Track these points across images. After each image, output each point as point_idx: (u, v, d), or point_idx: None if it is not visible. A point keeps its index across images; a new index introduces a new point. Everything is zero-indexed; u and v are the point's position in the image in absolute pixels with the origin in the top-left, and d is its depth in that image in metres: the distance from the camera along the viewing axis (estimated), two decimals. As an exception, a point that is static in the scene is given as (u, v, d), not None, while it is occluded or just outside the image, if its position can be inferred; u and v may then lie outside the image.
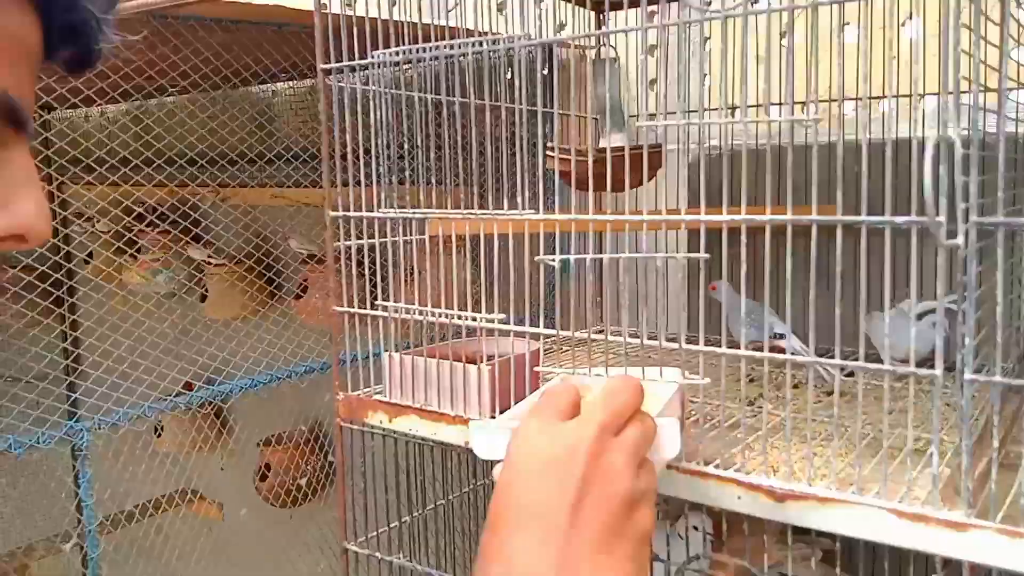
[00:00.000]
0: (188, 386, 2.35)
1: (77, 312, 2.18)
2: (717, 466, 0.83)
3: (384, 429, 1.06)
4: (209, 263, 2.17)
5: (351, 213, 1.05)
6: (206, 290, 2.18)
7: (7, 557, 2.10)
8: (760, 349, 0.80)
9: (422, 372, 1.01)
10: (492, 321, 0.95)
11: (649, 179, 1.13)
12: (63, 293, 1.91)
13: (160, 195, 2.18)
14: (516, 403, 0.98)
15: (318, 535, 2.15)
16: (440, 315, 0.98)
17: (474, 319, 0.96)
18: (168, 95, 2.37)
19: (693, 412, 0.94)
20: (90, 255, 2.35)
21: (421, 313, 1.00)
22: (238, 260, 2.16)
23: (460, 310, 0.97)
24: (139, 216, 2.31)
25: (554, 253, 0.85)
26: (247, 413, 2.26)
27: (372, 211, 1.03)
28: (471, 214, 0.95)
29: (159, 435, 2.26)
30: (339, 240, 1.06)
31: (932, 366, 0.69)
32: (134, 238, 2.27)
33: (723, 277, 0.94)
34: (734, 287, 1.11)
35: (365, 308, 1.05)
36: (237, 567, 2.33)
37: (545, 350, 1.12)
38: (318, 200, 2.00)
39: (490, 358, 0.99)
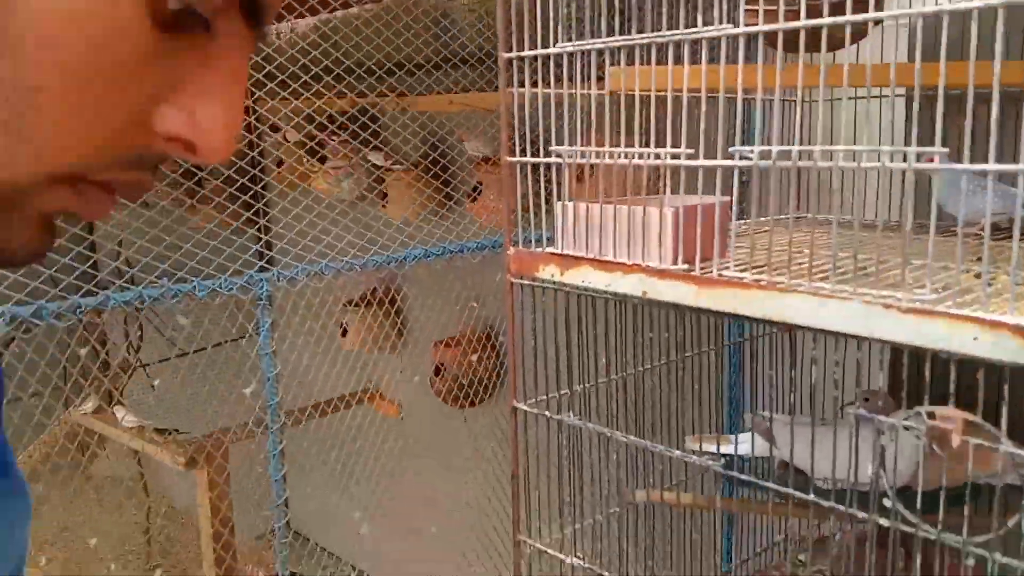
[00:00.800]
0: (372, 292, 2.44)
1: (270, 214, 2.31)
2: (949, 305, 0.70)
3: (555, 283, 1.00)
4: (389, 168, 2.21)
5: (525, 52, 0.98)
6: (386, 194, 2.23)
7: (206, 438, 2.29)
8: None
9: (598, 220, 0.93)
10: (678, 156, 0.86)
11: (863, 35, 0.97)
12: (257, 197, 2.01)
13: (342, 105, 2.24)
14: (701, 255, 0.89)
15: (488, 426, 2.17)
16: (619, 155, 0.90)
17: (657, 156, 0.87)
18: (351, 7, 2.41)
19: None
20: (279, 163, 2.48)
21: (598, 156, 0.93)
22: (416, 165, 2.18)
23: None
24: (322, 126, 2.39)
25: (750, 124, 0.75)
26: (423, 316, 2.31)
27: (548, 47, 0.96)
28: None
29: (344, 334, 2.36)
30: (512, 86, 1.00)
31: None
32: (316, 147, 2.35)
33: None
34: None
35: (538, 157, 0.99)
36: (412, 460, 2.42)
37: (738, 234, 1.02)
38: (492, 104, 1.97)
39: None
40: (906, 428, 0.73)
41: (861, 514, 0.84)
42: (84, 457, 2.30)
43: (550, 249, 1.00)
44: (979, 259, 0.76)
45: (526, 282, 1.05)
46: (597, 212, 0.93)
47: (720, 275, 0.84)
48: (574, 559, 1.09)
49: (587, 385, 1.14)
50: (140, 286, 1.17)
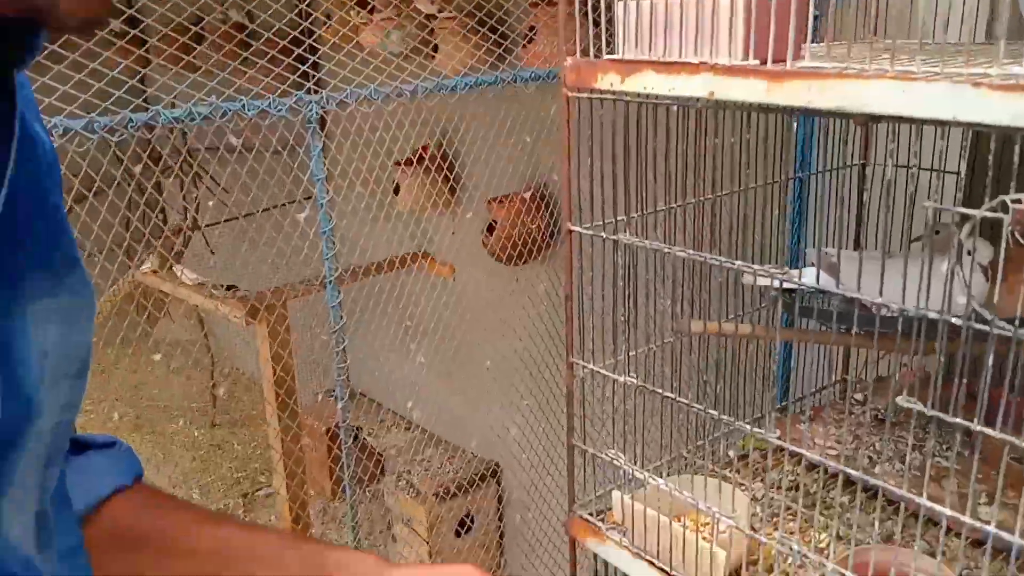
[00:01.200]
0: (424, 149, 2.42)
1: (320, 71, 2.27)
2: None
3: (615, 92, 0.96)
4: (438, 16, 2.13)
5: None
6: (436, 46, 2.17)
7: (272, 294, 2.35)
8: None
9: (662, 16, 0.88)
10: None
11: None
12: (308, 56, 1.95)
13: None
14: (774, 55, 0.84)
15: (542, 286, 2.18)
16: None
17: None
18: None
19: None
20: (328, 16, 2.42)
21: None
22: (467, 12, 2.10)
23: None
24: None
25: None
26: (477, 175, 2.29)
27: None
28: None
29: (396, 192, 2.36)
30: None
31: None
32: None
33: None
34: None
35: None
36: (465, 319, 2.45)
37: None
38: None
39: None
40: (987, 217, 0.70)
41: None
42: (142, 319, 2.39)
43: (610, 56, 0.96)
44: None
45: (584, 95, 1.01)
46: (662, 7, 0.88)
47: (796, 67, 0.80)
48: (627, 378, 1.09)
49: (645, 212, 1.11)
50: (190, 102, 1.17)
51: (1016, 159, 0.68)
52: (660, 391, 1.07)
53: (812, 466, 1.22)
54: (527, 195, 2.14)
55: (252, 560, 0.58)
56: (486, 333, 2.46)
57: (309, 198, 1.67)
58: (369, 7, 2.34)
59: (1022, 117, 0.66)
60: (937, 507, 0.81)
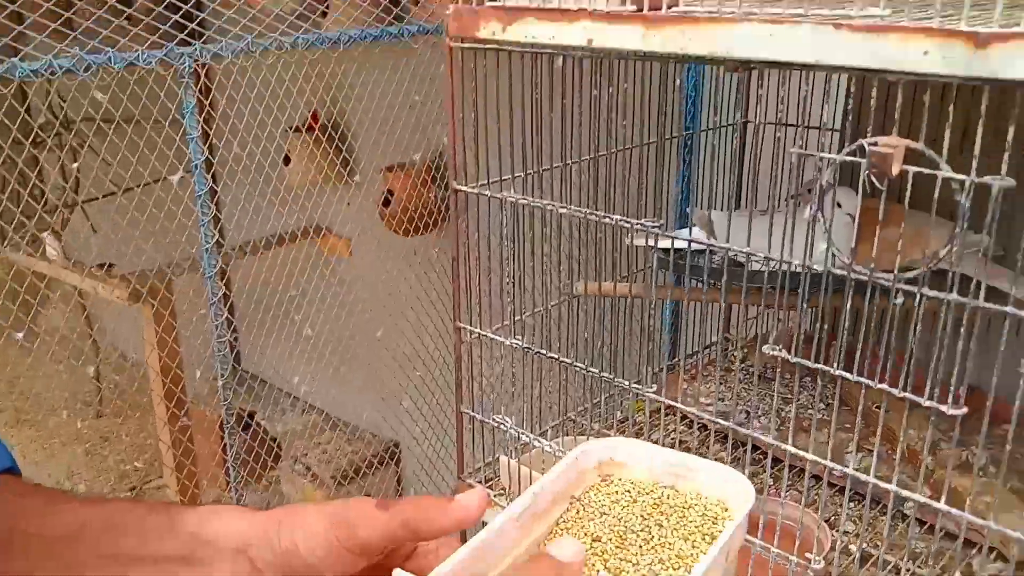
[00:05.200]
0: (315, 116, 2.34)
1: (210, 30, 2.15)
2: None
3: (498, 42, 0.94)
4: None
5: None
6: (327, 6, 2.10)
7: (151, 272, 2.23)
8: None
9: (541, -38, 0.87)
10: None
11: None
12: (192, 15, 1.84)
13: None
14: (650, 4, 0.84)
15: (435, 255, 2.15)
16: None
17: None
18: None
19: None
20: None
21: None
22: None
23: None
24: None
25: None
26: (370, 146, 2.23)
27: None
28: None
29: (287, 161, 2.28)
30: None
31: None
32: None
33: None
34: None
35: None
36: (359, 295, 2.40)
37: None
38: None
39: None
40: (849, 159, 0.71)
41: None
42: (15, 306, 2.22)
43: (492, 3, 0.94)
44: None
45: (466, 45, 0.99)
46: (541, -47, 0.87)
47: (669, 13, 0.79)
48: (514, 340, 1.08)
49: (531, 171, 1.10)
50: (51, 54, 1.08)
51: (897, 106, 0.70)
52: (546, 352, 1.06)
53: (691, 423, 1.24)
54: (422, 166, 2.11)
55: (108, 531, 0.53)
56: (380, 306, 2.41)
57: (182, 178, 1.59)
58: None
59: (882, 58, 0.67)
60: (801, 453, 0.84)
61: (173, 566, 0.50)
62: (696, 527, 0.46)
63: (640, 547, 0.44)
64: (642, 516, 0.47)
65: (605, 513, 0.47)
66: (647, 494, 0.48)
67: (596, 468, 0.50)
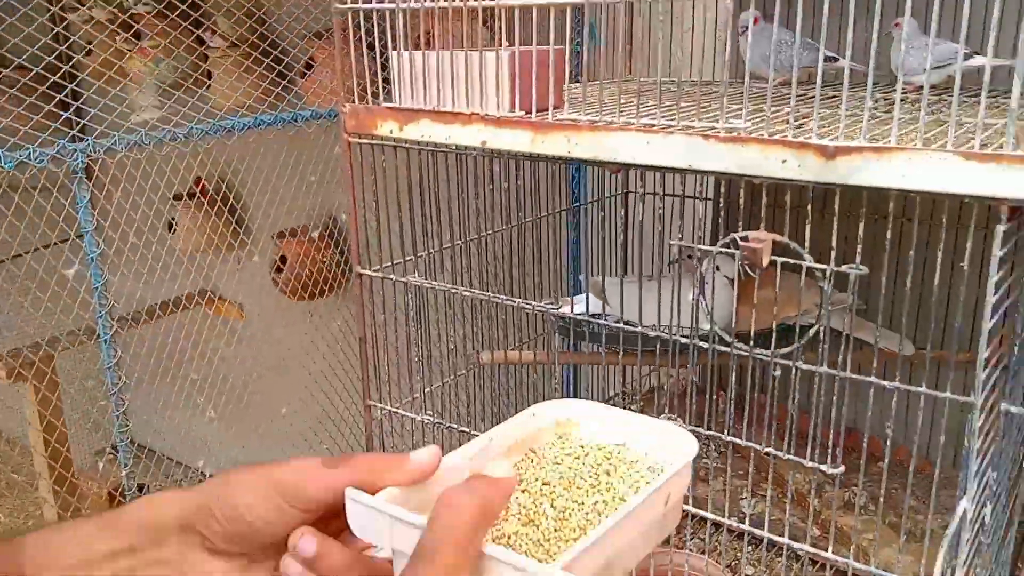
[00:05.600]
0: (198, 183, 2.30)
1: (84, 112, 2.09)
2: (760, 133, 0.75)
3: (395, 139, 0.98)
4: (212, 47, 2.05)
5: None
6: (211, 74, 2.08)
7: (32, 348, 2.12)
8: None
9: (434, 69, 0.92)
10: (511, -2, 0.85)
11: None
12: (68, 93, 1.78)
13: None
14: (537, 104, 0.90)
15: (336, 324, 2.15)
16: (453, -1, 0.88)
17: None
18: None
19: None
20: (89, 42, 2.24)
21: None
22: (249, 43, 2.02)
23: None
24: None
25: None
26: (262, 210, 2.21)
27: None
28: None
29: (173, 231, 2.23)
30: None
31: None
32: (130, 21, 2.13)
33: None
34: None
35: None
36: (257, 362, 2.36)
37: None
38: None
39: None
40: (721, 253, 0.79)
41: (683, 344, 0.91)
42: None
43: (388, 104, 0.98)
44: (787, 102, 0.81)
45: (364, 141, 1.02)
46: (434, 61, 0.92)
47: (556, 120, 0.86)
48: (424, 416, 1.11)
49: (432, 250, 1.14)
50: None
51: (764, 196, 0.78)
52: (455, 426, 1.10)
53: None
54: (315, 233, 2.10)
55: (46, 549, 0.52)
56: (281, 377, 2.38)
57: (81, 236, 1.52)
58: (133, 31, 2.19)
59: (747, 165, 0.75)
60: (701, 512, 0.90)
61: (124, 559, 0.50)
62: (641, 476, 0.50)
63: (587, 492, 0.48)
64: (592, 467, 0.51)
65: (558, 463, 0.51)
66: (599, 450, 0.53)
67: (554, 427, 0.55)
